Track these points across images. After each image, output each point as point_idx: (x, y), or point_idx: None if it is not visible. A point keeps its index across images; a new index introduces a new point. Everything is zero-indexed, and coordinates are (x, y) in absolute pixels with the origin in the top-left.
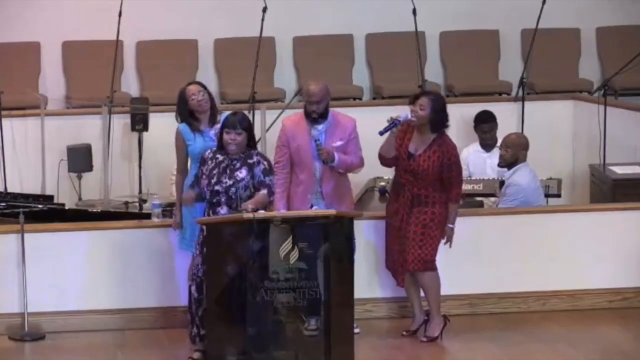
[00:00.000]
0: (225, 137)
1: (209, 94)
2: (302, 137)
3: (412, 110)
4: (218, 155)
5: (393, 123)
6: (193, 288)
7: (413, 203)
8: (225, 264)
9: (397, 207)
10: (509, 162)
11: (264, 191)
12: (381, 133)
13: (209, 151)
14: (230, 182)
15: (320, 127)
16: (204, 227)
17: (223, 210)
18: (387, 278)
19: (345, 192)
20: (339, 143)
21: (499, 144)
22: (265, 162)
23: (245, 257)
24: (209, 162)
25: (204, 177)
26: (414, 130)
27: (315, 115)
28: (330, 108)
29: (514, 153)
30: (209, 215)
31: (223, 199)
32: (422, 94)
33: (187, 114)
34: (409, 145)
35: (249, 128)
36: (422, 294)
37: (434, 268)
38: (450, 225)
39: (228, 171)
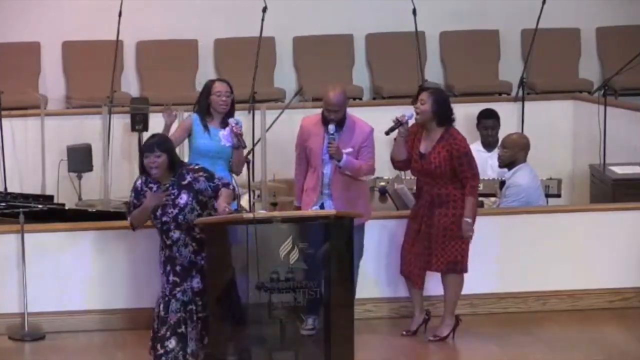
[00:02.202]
0: (145, 161)
1: (233, 98)
2: (315, 139)
3: (415, 107)
4: (151, 185)
5: (398, 122)
6: (161, 306)
7: (434, 204)
8: (225, 264)
9: (417, 210)
10: (506, 162)
11: (224, 189)
12: (387, 133)
13: (139, 182)
14: (175, 211)
15: (334, 132)
16: (165, 250)
17: (176, 234)
18: (387, 278)
19: (359, 197)
20: (348, 150)
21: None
22: (201, 172)
23: (245, 257)
24: (146, 194)
25: None
26: (424, 131)
27: (334, 123)
28: (350, 113)
29: (512, 154)
30: (164, 242)
31: (172, 226)
32: (421, 89)
33: (205, 106)
34: (420, 146)
35: (169, 150)
36: (424, 293)
37: (459, 270)
38: (467, 219)
39: (169, 200)
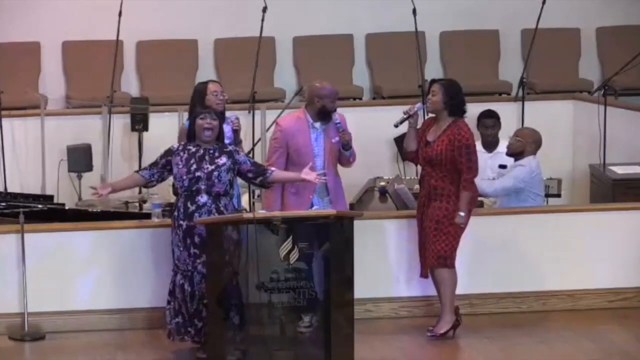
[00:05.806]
0: (201, 122)
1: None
2: (302, 136)
3: (427, 99)
4: (189, 147)
5: (408, 114)
6: (186, 284)
7: (430, 196)
8: (225, 264)
9: (419, 201)
10: (514, 151)
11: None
12: (396, 125)
13: (176, 145)
14: (212, 167)
15: (318, 125)
16: (184, 222)
17: (203, 198)
18: (387, 278)
19: (340, 190)
20: (337, 139)
21: (500, 145)
22: (242, 151)
23: (245, 257)
24: (182, 153)
25: (180, 166)
26: (435, 122)
27: (336, 113)
28: None
29: (522, 144)
30: (185, 205)
31: (203, 187)
32: (433, 81)
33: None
34: (428, 135)
35: (220, 122)
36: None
37: (449, 265)
38: (460, 213)
39: (207, 158)
